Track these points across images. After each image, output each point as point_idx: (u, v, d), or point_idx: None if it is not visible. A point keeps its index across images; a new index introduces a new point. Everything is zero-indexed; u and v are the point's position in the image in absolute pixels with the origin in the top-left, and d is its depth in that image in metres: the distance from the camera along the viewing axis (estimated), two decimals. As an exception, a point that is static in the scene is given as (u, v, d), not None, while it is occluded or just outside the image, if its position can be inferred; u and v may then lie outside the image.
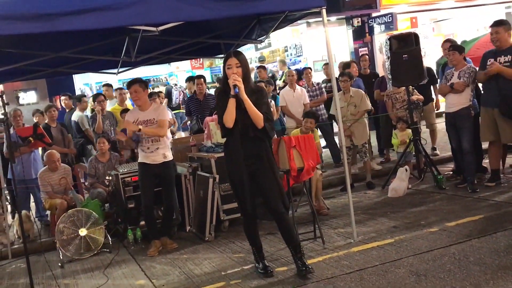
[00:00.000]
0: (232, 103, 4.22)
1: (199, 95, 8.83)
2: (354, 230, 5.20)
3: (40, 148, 7.72)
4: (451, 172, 7.31)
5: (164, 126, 5.77)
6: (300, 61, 13.11)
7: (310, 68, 9.30)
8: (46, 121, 7.97)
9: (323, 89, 8.88)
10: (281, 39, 13.67)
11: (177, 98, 12.00)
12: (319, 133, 8.46)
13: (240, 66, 4.27)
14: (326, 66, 9.95)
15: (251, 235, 4.60)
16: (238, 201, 4.55)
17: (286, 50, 14.02)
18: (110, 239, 6.23)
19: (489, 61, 6.20)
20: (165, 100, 10.72)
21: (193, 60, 14.64)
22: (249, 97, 4.23)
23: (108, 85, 9.82)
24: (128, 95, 8.69)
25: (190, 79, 10.43)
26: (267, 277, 4.44)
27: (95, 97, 8.62)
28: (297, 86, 8.51)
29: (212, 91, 9.74)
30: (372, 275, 4.19)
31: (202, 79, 8.93)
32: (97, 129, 7.97)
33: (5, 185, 6.68)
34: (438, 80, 7.92)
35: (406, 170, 6.88)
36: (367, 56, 9.62)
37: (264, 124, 4.25)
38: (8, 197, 7.92)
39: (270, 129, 4.38)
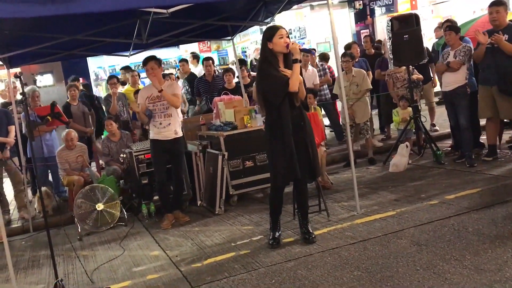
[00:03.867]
0: (298, 67, 4.20)
1: (208, 76, 8.78)
2: (357, 203, 5.18)
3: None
4: (450, 148, 7.25)
5: (179, 98, 5.79)
6: (304, 43, 12.97)
7: (314, 49, 9.18)
8: (67, 100, 7.95)
9: (327, 70, 8.78)
10: (285, 22, 13.49)
11: None
12: (322, 112, 8.41)
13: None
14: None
15: (279, 203, 4.54)
16: (277, 170, 4.36)
17: (291, 33, 13.87)
18: (125, 213, 6.25)
19: (488, 36, 6.04)
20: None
21: (201, 43, 14.49)
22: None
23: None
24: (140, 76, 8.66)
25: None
26: (275, 248, 4.44)
27: (109, 79, 8.57)
28: (310, 67, 8.34)
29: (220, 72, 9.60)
30: (375, 245, 4.18)
31: (210, 61, 8.88)
32: (111, 110, 7.92)
33: (25, 163, 6.70)
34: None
35: (407, 146, 6.83)
36: (368, 38, 9.49)
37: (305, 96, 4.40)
38: (28, 175, 7.95)
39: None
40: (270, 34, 4.25)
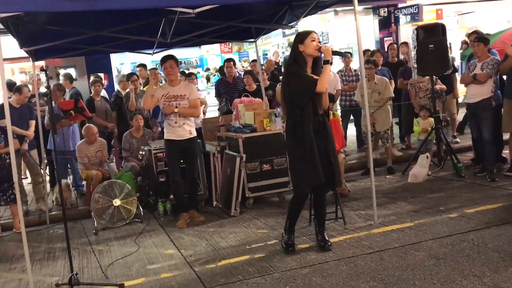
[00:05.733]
0: (328, 68, 4.22)
1: (229, 77, 8.76)
2: (375, 213, 5.11)
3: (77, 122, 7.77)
4: (471, 161, 7.14)
5: (198, 106, 5.79)
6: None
7: (350, 53, 9.04)
8: (91, 95, 8.04)
9: (359, 76, 8.68)
10: (309, 26, 13.42)
11: None
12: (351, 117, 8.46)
13: None
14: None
15: (300, 210, 4.50)
16: (302, 178, 4.28)
17: (313, 38, 13.79)
18: (141, 210, 6.27)
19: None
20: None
21: (223, 44, 14.52)
22: None
23: (143, 65, 9.76)
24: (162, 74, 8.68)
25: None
26: (290, 253, 4.40)
27: (129, 76, 8.62)
28: (331, 72, 8.23)
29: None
30: (392, 256, 4.12)
31: (231, 62, 8.86)
32: (130, 106, 7.97)
33: (45, 155, 6.77)
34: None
35: (427, 157, 6.73)
36: (395, 45, 9.39)
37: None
38: (48, 167, 8.04)
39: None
40: (302, 37, 4.26)
